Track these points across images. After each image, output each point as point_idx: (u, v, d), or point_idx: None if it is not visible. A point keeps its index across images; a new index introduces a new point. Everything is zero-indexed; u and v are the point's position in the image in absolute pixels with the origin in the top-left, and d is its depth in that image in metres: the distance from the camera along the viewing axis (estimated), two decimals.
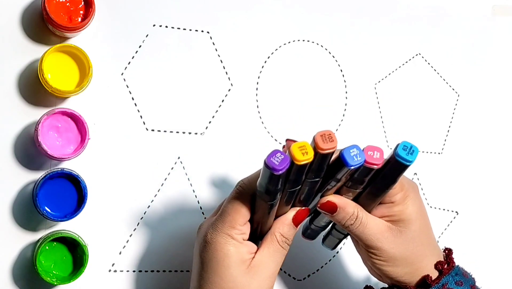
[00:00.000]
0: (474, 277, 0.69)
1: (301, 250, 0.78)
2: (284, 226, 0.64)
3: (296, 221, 0.65)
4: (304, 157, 0.56)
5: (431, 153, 0.85)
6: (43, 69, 0.67)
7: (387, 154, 0.61)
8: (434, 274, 0.67)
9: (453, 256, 0.71)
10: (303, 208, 0.65)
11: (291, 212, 0.65)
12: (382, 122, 0.83)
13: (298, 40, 0.81)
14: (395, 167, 0.60)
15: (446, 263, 0.68)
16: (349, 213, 0.65)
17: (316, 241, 0.79)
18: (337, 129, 0.81)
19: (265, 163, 0.56)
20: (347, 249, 0.81)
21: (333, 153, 0.58)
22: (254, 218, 0.63)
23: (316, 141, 0.56)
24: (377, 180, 0.62)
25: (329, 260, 0.80)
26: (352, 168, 0.59)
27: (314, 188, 0.62)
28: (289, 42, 0.80)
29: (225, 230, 0.62)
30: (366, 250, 0.67)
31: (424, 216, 0.68)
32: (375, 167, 0.60)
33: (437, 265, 0.68)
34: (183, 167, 0.75)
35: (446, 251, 0.70)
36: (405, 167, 0.60)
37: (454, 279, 0.67)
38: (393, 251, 0.66)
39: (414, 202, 0.67)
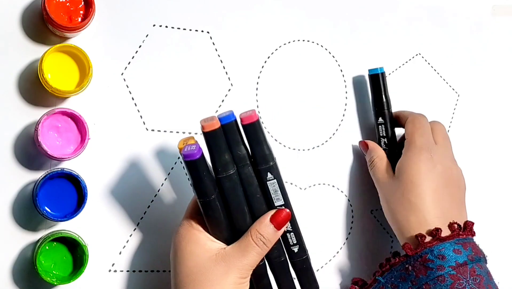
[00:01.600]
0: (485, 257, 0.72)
1: None
2: (261, 223, 0.64)
3: (274, 220, 0.64)
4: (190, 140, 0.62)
5: None
6: (43, 69, 0.67)
7: None
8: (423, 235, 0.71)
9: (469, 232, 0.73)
10: (283, 208, 0.65)
11: (271, 212, 0.65)
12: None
13: (298, 40, 0.81)
14: None
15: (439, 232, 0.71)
16: (370, 156, 0.79)
17: (316, 241, 0.79)
18: (337, 129, 0.81)
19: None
20: (347, 249, 0.81)
21: (218, 130, 0.61)
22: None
23: (201, 124, 0.61)
24: None
25: (329, 260, 0.80)
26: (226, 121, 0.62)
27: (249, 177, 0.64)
28: (289, 42, 0.80)
29: (185, 220, 0.65)
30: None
31: (419, 168, 0.73)
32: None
33: (432, 231, 0.70)
34: (183, 167, 0.75)
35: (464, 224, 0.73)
36: None
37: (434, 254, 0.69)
38: (388, 196, 0.74)
39: (407, 155, 0.75)
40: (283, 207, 0.65)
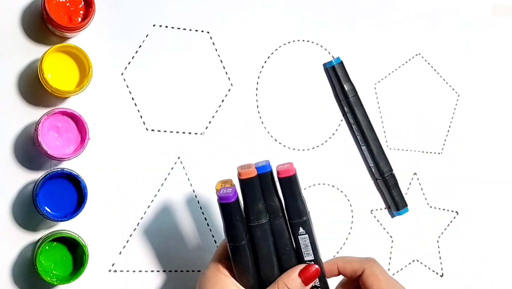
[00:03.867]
0: None
1: None
2: (290, 276, 0.63)
3: (303, 275, 0.63)
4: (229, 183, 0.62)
5: (431, 152, 0.85)
6: (43, 69, 0.67)
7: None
8: None
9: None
10: (313, 264, 0.64)
11: (300, 266, 0.64)
12: (382, 122, 0.83)
13: (298, 40, 0.81)
14: None
15: None
16: None
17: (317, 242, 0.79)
18: (336, 129, 0.81)
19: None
20: (347, 249, 0.81)
21: (254, 178, 0.61)
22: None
23: (238, 170, 0.61)
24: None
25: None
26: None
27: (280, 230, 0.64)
28: (289, 42, 0.80)
29: (212, 263, 0.65)
30: None
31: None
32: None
33: None
34: (183, 167, 0.75)
35: None
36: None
37: None
38: None
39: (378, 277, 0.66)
40: (313, 263, 0.65)
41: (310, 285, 0.64)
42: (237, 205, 0.61)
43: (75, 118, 0.68)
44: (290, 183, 0.62)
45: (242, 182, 0.61)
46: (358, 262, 0.67)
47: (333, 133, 0.81)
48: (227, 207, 0.61)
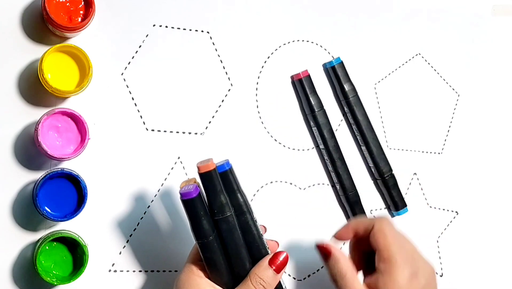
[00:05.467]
0: None
1: (301, 250, 0.78)
2: (260, 267, 0.64)
3: (273, 263, 0.64)
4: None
5: (431, 153, 0.85)
6: (43, 69, 0.67)
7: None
8: None
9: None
10: (282, 251, 0.65)
11: (269, 255, 0.64)
12: (382, 122, 0.83)
13: (298, 40, 0.81)
14: None
15: None
16: (339, 271, 0.66)
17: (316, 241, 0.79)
18: (336, 129, 0.81)
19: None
20: (347, 249, 0.81)
21: (212, 171, 0.62)
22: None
23: (197, 166, 0.62)
24: None
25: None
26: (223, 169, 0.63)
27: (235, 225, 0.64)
28: (289, 42, 0.80)
29: (186, 265, 0.65)
30: None
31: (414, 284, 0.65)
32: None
33: None
34: (183, 167, 0.75)
35: None
36: None
37: None
38: None
39: (389, 276, 0.65)
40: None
41: (282, 272, 0.64)
42: (199, 200, 0.62)
43: (75, 118, 0.68)
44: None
45: (202, 176, 0.62)
46: (369, 220, 0.68)
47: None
48: (189, 203, 0.61)
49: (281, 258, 0.64)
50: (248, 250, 0.65)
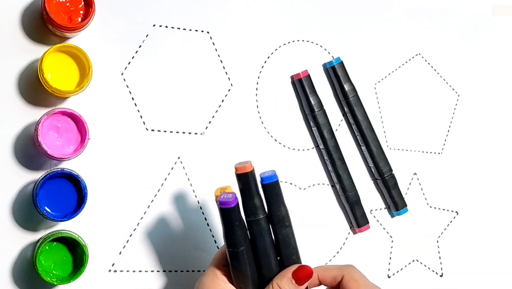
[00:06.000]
0: None
1: (301, 250, 0.78)
2: (283, 277, 0.63)
3: (296, 276, 0.63)
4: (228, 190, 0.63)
5: (431, 153, 0.85)
6: (43, 69, 0.67)
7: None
8: None
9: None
10: (306, 265, 0.64)
11: (294, 266, 0.64)
12: (382, 122, 0.83)
13: (298, 40, 0.81)
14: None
15: None
16: None
17: (316, 241, 0.79)
18: (336, 129, 0.81)
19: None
20: (347, 249, 0.81)
21: (249, 173, 0.62)
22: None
23: (235, 167, 0.62)
24: None
25: (330, 260, 0.80)
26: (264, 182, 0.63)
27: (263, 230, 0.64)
28: (289, 42, 0.80)
29: (210, 269, 0.65)
30: None
31: None
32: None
33: None
34: (183, 167, 0.75)
35: None
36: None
37: None
38: None
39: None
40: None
41: (304, 286, 0.64)
42: (237, 210, 0.61)
43: (75, 118, 0.68)
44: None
45: (238, 176, 0.62)
46: (337, 269, 0.66)
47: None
48: (227, 212, 0.61)
49: (305, 271, 0.63)
50: (282, 262, 0.64)
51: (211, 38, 0.77)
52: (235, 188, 0.63)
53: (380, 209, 0.83)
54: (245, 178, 0.62)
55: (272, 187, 0.63)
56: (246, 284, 0.64)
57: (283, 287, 0.63)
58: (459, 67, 0.87)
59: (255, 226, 0.63)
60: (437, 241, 0.85)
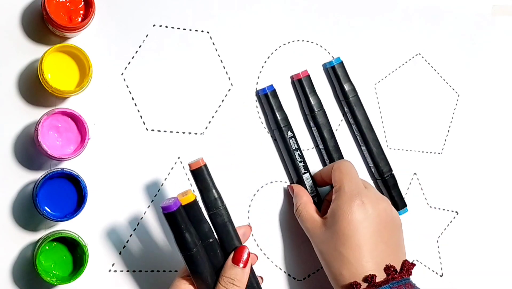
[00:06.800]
0: None
1: (301, 250, 0.78)
2: (226, 268, 0.64)
3: (235, 260, 0.64)
4: (185, 197, 0.64)
5: (431, 153, 0.85)
6: (43, 69, 0.67)
7: None
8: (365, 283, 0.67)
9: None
10: (239, 245, 0.65)
11: (230, 255, 0.65)
12: (382, 122, 0.83)
13: (298, 40, 0.81)
14: None
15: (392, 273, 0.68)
16: (296, 203, 0.74)
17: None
18: (336, 129, 0.81)
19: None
20: None
21: (203, 167, 0.64)
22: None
23: (188, 164, 0.65)
24: None
25: None
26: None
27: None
28: (289, 42, 0.80)
29: (176, 280, 0.66)
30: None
31: (351, 218, 0.69)
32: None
33: (368, 277, 0.67)
34: (183, 167, 0.75)
35: (405, 266, 0.69)
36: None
37: None
38: (320, 247, 0.70)
39: (337, 204, 0.70)
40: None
41: (249, 265, 0.65)
42: (181, 213, 0.62)
43: (75, 118, 0.68)
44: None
45: (193, 173, 0.64)
46: (331, 165, 0.75)
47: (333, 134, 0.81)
48: (171, 216, 0.62)
49: (242, 252, 0.65)
50: (224, 248, 0.66)
51: (211, 38, 0.77)
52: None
53: None
54: (200, 173, 0.64)
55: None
56: (207, 286, 0.65)
57: (230, 275, 0.64)
58: (459, 67, 0.87)
59: (219, 218, 0.64)
60: (437, 241, 0.85)
